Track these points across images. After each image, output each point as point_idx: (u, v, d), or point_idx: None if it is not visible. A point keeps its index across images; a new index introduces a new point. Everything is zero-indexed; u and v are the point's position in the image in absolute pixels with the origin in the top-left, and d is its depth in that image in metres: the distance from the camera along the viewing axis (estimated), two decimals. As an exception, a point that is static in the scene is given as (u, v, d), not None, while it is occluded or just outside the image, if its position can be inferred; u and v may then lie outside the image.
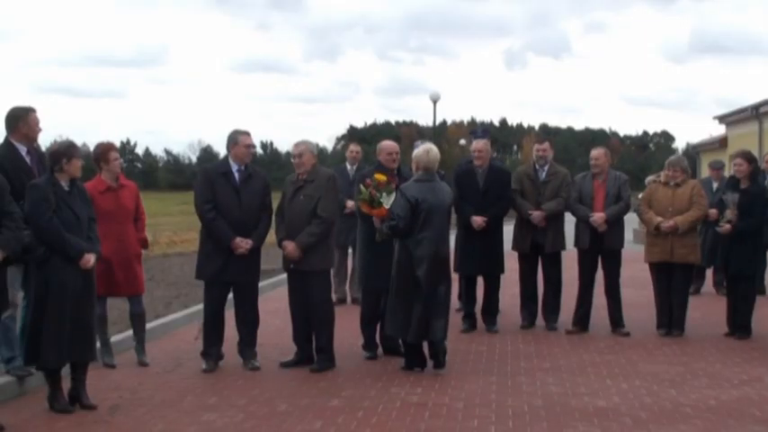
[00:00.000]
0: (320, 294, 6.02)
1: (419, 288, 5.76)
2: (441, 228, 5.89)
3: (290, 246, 5.93)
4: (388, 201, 5.81)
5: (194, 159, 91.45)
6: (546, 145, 7.66)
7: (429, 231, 5.80)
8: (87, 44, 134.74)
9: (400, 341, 6.07)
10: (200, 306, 6.34)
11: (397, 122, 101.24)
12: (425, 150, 6.00)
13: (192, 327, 7.15)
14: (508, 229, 7.78)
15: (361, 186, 5.90)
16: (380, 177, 5.87)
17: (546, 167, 7.58)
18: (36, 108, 5.52)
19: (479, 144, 7.44)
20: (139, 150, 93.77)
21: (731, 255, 7.11)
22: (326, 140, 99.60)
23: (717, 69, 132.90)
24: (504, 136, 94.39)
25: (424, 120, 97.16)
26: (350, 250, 9.03)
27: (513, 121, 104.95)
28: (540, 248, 7.55)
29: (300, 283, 6.02)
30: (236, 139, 6.00)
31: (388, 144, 6.49)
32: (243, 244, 5.85)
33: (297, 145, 6.09)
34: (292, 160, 6.11)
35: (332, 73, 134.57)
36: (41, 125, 5.50)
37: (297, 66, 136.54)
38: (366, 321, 6.38)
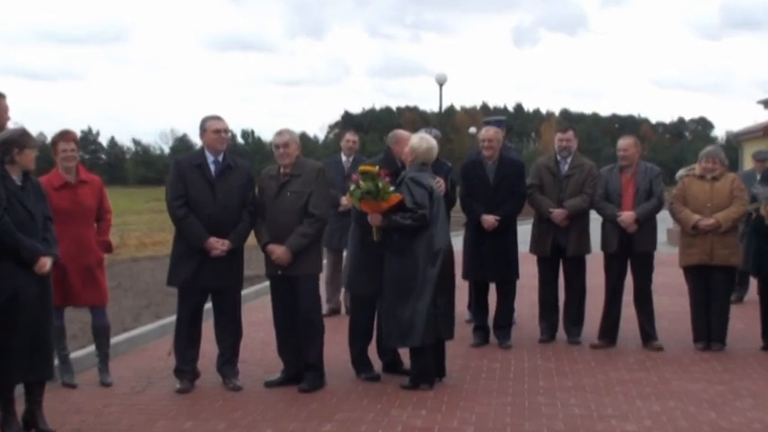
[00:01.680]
0: (309, 303, 6.01)
1: (438, 284, 5.90)
2: (446, 219, 6.20)
3: (278, 250, 5.91)
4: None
5: (167, 150, 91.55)
6: (570, 134, 7.65)
7: (441, 223, 6.04)
8: (39, 19, 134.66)
9: (411, 353, 6.05)
10: (174, 317, 6.32)
11: (398, 108, 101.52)
12: (428, 148, 6.13)
13: (165, 341, 7.14)
14: (525, 230, 7.77)
15: (358, 183, 5.83)
16: (370, 168, 5.86)
17: (569, 159, 7.57)
18: (5, 94, 5.48)
19: (489, 132, 7.41)
20: (103, 140, 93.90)
21: (765, 256, 7.09)
22: (318, 129, 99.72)
23: (754, 47, 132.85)
24: (519, 123, 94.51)
25: (428, 104, 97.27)
26: (344, 254, 9.02)
27: (529, 106, 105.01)
28: (561, 251, 7.54)
29: (287, 291, 6.01)
30: (204, 125, 6.00)
31: (403, 135, 6.40)
32: (218, 245, 5.84)
33: (281, 133, 6.06)
34: (275, 151, 6.06)
35: (318, 51, 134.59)
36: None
37: (278, 43, 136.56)
38: (356, 334, 6.34)
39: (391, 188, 5.86)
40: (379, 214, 5.89)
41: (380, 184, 5.79)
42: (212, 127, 5.98)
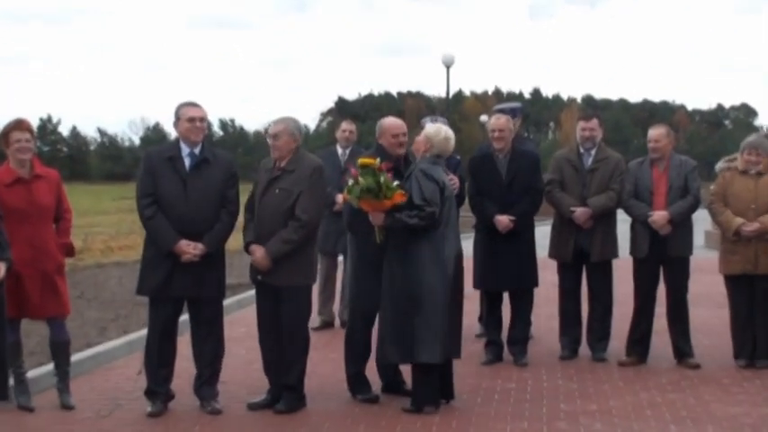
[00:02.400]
0: (294, 317, 6.00)
1: (450, 294, 5.91)
2: (457, 221, 6.19)
3: (258, 251, 5.92)
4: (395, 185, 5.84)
5: (137, 141, 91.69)
6: (594, 123, 7.65)
7: (452, 224, 6.04)
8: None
9: (414, 371, 6.04)
10: (145, 331, 6.32)
11: (399, 93, 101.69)
12: (447, 138, 6.16)
13: (134, 358, 7.14)
14: (544, 232, 7.77)
15: (357, 178, 5.78)
16: (370, 161, 5.82)
17: (593, 152, 7.57)
18: None
19: (500, 121, 7.41)
20: (64, 130, 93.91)
21: None
22: (309, 117, 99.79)
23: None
24: (537, 111, 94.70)
25: (434, 89, 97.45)
26: (340, 258, 9.03)
27: (547, 91, 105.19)
28: (585, 256, 7.54)
29: (271, 301, 6.02)
30: (178, 112, 6.01)
31: (393, 122, 6.33)
32: (188, 248, 5.83)
33: (275, 123, 6.08)
34: (268, 141, 6.09)
35: (305, 28, 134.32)
36: None
37: (261, 19, 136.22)
38: (353, 350, 6.34)
39: (395, 183, 5.84)
40: (382, 213, 5.88)
41: (383, 180, 5.75)
42: (186, 115, 5.97)
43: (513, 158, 7.35)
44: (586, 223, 7.45)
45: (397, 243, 5.94)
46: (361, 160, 5.89)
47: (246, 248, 6.05)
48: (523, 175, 7.31)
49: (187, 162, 5.96)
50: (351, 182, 5.85)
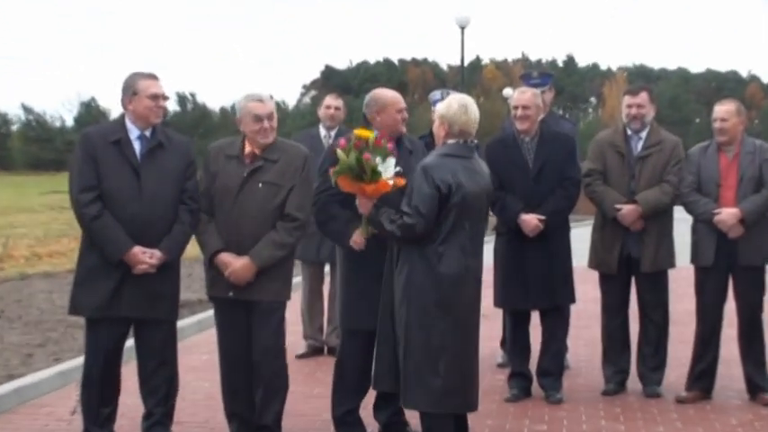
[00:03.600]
0: (272, 341, 6.04)
1: (448, 331, 5.71)
2: (477, 230, 5.87)
3: (236, 262, 5.92)
4: (386, 169, 5.74)
5: (70, 121, 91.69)
6: (643, 98, 7.66)
7: (460, 236, 5.75)
8: None
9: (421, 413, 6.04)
10: (81, 360, 6.33)
11: (401, 61, 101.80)
12: (462, 106, 5.86)
13: (68, 393, 7.15)
14: (582, 235, 7.78)
15: (339, 151, 5.74)
16: (366, 134, 5.78)
17: (643, 134, 7.59)
18: None
19: (524, 96, 7.41)
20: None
21: None
22: (289, 91, 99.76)
23: None
24: (572, 83, 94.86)
25: (445, 56, 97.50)
26: (327, 268, 9.02)
27: (585, 59, 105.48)
28: (634, 266, 7.57)
29: (240, 319, 6.04)
30: (136, 86, 5.98)
31: (395, 95, 6.34)
32: (144, 257, 5.85)
33: (262, 99, 6.05)
34: (254, 125, 5.99)
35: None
36: None
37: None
38: (344, 384, 6.33)
39: (393, 169, 5.74)
40: (368, 200, 5.83)
41: (368, 161, 5.66)
42: (149, 90, 5.95)
43: (542, 142, 7.36)
44: (636, 224, 7.47)
45: (391, 246, 5.87)
46: (357, 131, 5.81)
47: (210, 260, 6.01)
48: (555, 163, 7.33)
49: (137, 147, 5.96)
50: (340, 152, 5.73)
